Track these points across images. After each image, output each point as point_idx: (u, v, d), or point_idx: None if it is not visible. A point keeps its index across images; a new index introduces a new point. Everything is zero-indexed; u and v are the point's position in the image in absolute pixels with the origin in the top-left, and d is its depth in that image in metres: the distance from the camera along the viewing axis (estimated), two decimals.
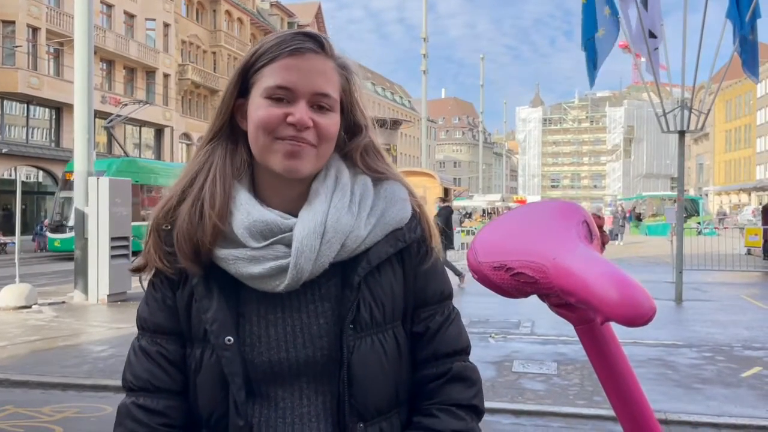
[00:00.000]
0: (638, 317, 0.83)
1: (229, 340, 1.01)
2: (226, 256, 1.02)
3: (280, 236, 1.02)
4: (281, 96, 1.02)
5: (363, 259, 1.05)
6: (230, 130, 1.10)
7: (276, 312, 1.04)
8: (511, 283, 0.98)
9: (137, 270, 1.11)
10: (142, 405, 1.05)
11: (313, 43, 1.05)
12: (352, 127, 1.11)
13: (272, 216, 1.03)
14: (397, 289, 1.08)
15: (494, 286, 1.00)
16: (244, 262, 1.01)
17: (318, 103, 1.04)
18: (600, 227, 15.16)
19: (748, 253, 19.08)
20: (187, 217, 1.04)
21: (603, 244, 15.01)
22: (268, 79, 1.03)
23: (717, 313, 9.86)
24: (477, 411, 1.11)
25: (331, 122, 1.05)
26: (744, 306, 10.66)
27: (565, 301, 0.94)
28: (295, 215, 1.05)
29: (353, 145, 1.12)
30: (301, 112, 1.01)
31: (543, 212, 1.04)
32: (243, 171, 1.09)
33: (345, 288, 1.04)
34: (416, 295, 1.11)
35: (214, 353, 1.02)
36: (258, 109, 1.03)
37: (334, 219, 1.03)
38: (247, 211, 1.03)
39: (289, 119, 1.01)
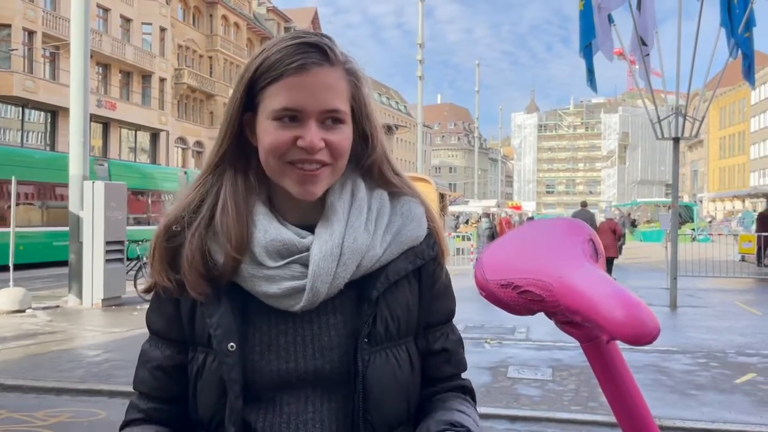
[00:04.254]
0: (642, 336, 0.85)
1: (231, 347, 1.00)
2: (241, 272, 1.02)
3: (297, 256, 1.01)
4: (289, 116, 0.99)
5: (381, 275, 1.04)
6: (239, 147, 1.07)
7: (287, 322, 1.03)
8: (518, 300, 0.99)
9: (148, 291, 1.11)
10: (136, 405, 1.10)
11: (318, 54, 1.00)
12: (363, 134, 1.09)
13: (289, 235, 1.02)
14: (412, 305, 1.09)
15: (502, 303, 1.01)
16: (259, 281, 1.01)
17: (328, 118, 1.01)
18: (617, 233, 15.10)
19: (743, 259, 19.18)
20: (192, 248, 1.02)
21: (620, 248, 15.08)
22: (274, 100, 1.00)
23: (711, 319, 9.89)
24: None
25: (344, 137, 1.03)
26: (738, 312, 10.69)
27: (571, 319, 0.95)
28: (311, 229, 1.04)
29: (370, 158, 1.10)
30: (311, 134, 0.98)
31: (550, 230, 1.05)
32: (260, 186, 1.07)
33: (362, 302, 1.03)
34: (429, 313, 1.12)
35: (216, 359, 1.02)
36: (267, 133, 1.00)
37: (351, 239, 1.02)
38: (265, 229, 1.02)
39: (300, 143, 0.99)
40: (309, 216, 1.06)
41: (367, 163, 1.10)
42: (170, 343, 1.08)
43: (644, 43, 10.55)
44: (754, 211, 34.33)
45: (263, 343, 1.03)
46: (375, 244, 1.04)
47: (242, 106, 1.04)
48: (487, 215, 16.47)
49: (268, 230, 1.02)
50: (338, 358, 1.03)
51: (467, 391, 1.14)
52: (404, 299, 1.07)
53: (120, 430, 1.08)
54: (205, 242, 1.03)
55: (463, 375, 1.17)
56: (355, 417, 1.02)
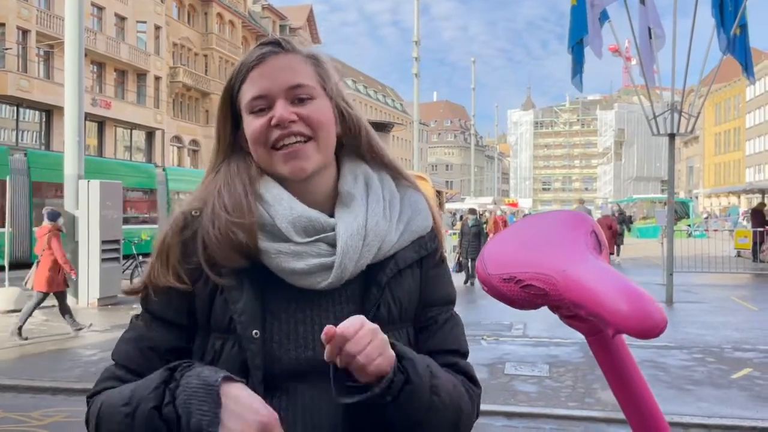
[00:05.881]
0: (650, 329, 0.83)
1: (256, 334, 1.02)
2: (267, 248, 1.04)
3: (323, 234, 1.05)
4: (261, 106, 1.06)
5: (390, 262, 1.09)
6: (237, 151, 1.13)
7: (305, 311, 1.06)
8: (521, 295, 0.98)
9: (133, 293, 1.11)
10: (118, 376, 1.08)
11: (273, 46, 1.09)
12: (341, 112, 1.13)
13: (315, 213, 1.06)
14: (413, 292, 1.13)
15: (504, 297, 1.01)
16: (286, 257, 1.03)
17: (297, 96, 1.06)
18: (612, 229, 15.00)
19: (738, 255, 19.22)
20: (217, 224, 1.04)
21: (618, 247, 14.81)
22: (245, 95, 1.08)
23: (707, 314, 9.92)
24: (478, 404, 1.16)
25: (315, 108, 1.07)
26: (734, 308, 10.73)
27: (576, 312, 0.94)
28: None
29: (359, 137, 1.15)
30: (279, 110, 1.05)
31: (551, 223, 1.05)
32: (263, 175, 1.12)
33: (372, 286, 1.07)
34: (426, 297, 1.15)
35: (236, 345, 1.03)
36: (248, 126, 1.08)
37: (374, 223, 1.08)
38: (290, 206, 1.06)
39: (272, 122, 1.05)
40: (318, 209, 1.09)
41: (362, 148, 1.15)
42: (171, 326, 1.08)
43: (650, 36, 10.55)
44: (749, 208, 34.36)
45: (282, 332, 1.04)
46: (391, 231, 1.10)
47: (229, 121, 1.12)
48: (472, 212, 15.83)
49: (294, 207, 1.06)
50: None
51: (460, 371, 1.13)
52: (407, 286, 1.11)
53: (93, 395, 1.06)
54: (221, 219, 1.05)
55: (465, 359, 1.18)
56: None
